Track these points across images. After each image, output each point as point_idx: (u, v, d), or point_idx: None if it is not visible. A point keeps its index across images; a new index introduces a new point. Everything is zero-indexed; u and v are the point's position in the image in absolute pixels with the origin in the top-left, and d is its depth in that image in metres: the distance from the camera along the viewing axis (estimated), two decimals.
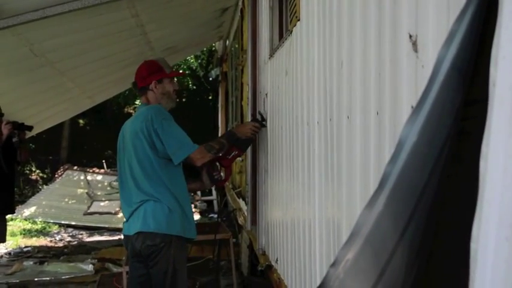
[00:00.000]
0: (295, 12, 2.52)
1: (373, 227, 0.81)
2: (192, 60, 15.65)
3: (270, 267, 3.25)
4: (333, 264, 0.83)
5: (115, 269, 5.90)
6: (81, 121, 17.58)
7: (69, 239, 8.73)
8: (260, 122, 3.33)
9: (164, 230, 2.77)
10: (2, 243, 5.86)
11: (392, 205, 0.80)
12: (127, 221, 2.94)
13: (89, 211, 10.08)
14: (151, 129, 2.80)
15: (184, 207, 2.88)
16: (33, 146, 14.54)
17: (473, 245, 0.68)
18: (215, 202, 8.95)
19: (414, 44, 1.14)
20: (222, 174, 3.27)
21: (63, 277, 5.87)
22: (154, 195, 2.80)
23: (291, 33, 2.61)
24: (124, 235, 2.99)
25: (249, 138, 3.27)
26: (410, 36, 1.16)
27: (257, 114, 3.51)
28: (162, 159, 2.83)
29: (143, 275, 2.91)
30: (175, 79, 3.28)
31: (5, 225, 5.25)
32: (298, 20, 2.43)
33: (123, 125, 3.09)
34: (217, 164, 3.24)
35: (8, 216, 9.55)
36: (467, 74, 0.80)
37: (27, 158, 5.30)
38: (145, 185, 2.82)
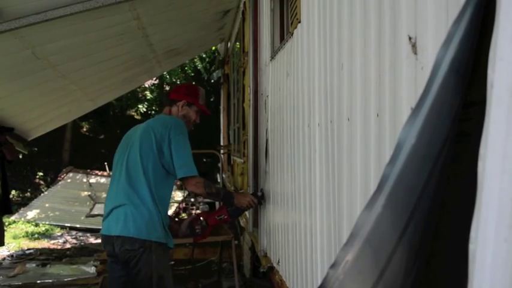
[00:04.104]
0: (296, 14, 2.52)
1: (372, 228, 0.81)
2: (197, 63, 15.68)
3: (271, 268, 3.25)
4: (333, 266, 0.83)
5: None
6: (83, 124, 17.62)
7: (71, 241, 8.74)
8: (259, 199, 3.40)
9: (144, 236, 2.75)
10: (1, 247, 5.86)
11: (391, 206, 0.80)
12: (106, 218, 2.91)
13: (91, 213, 10.09)
14: (166, 135, 2.85)
15: (163, 218, 2.85)
16: (36, 149, 14.56)
17: (471, 246, 0.68)
18: (217, 204, 8.96)
19: (414, 46, 1.15)
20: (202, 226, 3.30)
21: (65, 279, 5.88)
22: (138, 199, 2.79)
23: (291, 35, 2.61)
24: (103, 235, 2.95)
25: (241, 208, 3.32)
26: (410, 38, 1.16)
27: (259, 191, 3.57)
28: (160, 165, 2.85)
29: (123, 275, 2.88)
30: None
31: (2, 228, 5.26)
32: (299, 22, 2.43)
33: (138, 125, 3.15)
34: (202, 219, 3.28)
35: (11, 219, 9.64)
36: (466, 75, 0.80)
37: (15, 156, 5.30)
38: (133, 185, 2.82)
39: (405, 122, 0.80)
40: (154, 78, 15.53)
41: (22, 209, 10.67)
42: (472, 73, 0.80)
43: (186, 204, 10.77)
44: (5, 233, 6.13)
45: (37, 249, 7.81)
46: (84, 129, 17.88)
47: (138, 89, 16.40)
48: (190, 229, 3.19)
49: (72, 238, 8.98)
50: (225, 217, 3.27)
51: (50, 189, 12.01)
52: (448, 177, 0.85)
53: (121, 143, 3.11)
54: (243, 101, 5.51)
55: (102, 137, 17.67)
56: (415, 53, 1.14)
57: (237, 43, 6.52)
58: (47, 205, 10.68)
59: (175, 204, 10.44)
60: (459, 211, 0.81)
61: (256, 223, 3.86)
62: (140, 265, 2.75)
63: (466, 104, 0.82)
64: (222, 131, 10.00)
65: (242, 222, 5.02)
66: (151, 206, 2.80)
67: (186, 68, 15.42)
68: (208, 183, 3.00)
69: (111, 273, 2.99)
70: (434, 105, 0.78)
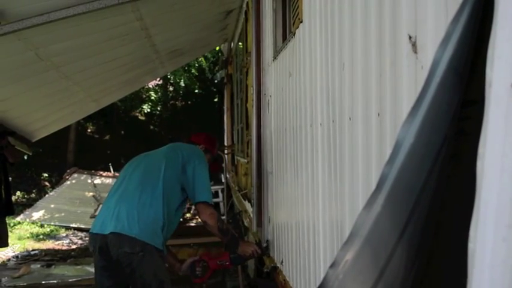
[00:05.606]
0: (298, 14, 2.52)
1: (371, 228, 0.81)
2: (202, 61, 15.75)
3: (275, 268, 3.25)
4: (332, 265, 0.83)
5: None
6: (87, 124, 17.66)
7: (76, 242, 8.76)
8: (263, 250, 3.42)
9: (146, 238, 2.68)
10: (6, 248, 5.88)
11: (390, 206, 0.80)
12: (101, 215, 2.86)
13: (95, 214, 10.11)
14: (192, 158, 2.97)
15: (164, 226, 2.80)
16: (41, 150, 14.61)
17: (470, 245, 0.68)
18: (221, 204, 8.95)
19: (414, 45, 1.14)
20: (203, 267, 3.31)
21: (70, 280, 5.90)
22: (149, 198, 2.78)
23: (294, 35, 2.61)
24: (94, 233, 2.82)
25: (244, 257, 3.34)
26: (410, 37, 1.16)
27: (264, 241, 3.60)
28: (178, 179, 2.92)
29: (111, 285, 2.83)
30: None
31: (6, 228, 5.28)
32: (301, 22, 2.43)
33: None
34: (205, 262, 3.30)
35: (16, 220, 9.67)
36: (464, 74, 0.80)
37: (18, 158, 5.35)
38: (147, 186, 2.82)
39: (404, 121, 0.80)
40: (157, 79, 15.58)
41: (27, 210, 10.71)
42: (471, 72, 0.80)
43: (190, 205, 10.77)
44: (10, 234, 6.17)
45: (42, 250, 7.84)
46: (89, 130, 17.93)
47: (142, 90, 16.45)
48: (191, 270, 3.25)
49: (77, 239, 9.00)
50: (227, 263, 3.32)
51: (54, 190, 12.04)
52: (447, 177, 0.84)
53: (137, 157, 3.17)
54: (246, 101, 5.51)
55: (106, 137, 17.71)
56: (415, 52, 1.14)
57: (240, 43, 6.52)
58: (52, 206, 10.70)
59: None
60: (458, 210, 0.81)
61: (260, 223, 3.86)
62: (139, 271, 2.68)
63: (465, 102, 0.81)
64: (225, 131, 10.01)
65: (246, 222, 5.02)
66: (159, 210, 2.77)
67: (190, 68, 15.45)
68: (221, 218, 3.08)
69: (100, 282, 2.89)
70: (432, 104, 0.78)
